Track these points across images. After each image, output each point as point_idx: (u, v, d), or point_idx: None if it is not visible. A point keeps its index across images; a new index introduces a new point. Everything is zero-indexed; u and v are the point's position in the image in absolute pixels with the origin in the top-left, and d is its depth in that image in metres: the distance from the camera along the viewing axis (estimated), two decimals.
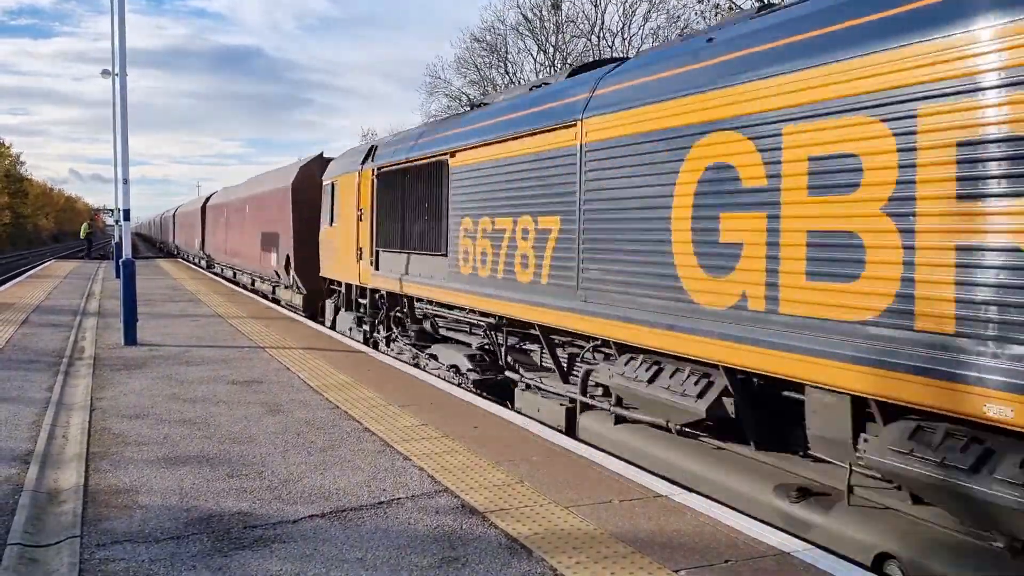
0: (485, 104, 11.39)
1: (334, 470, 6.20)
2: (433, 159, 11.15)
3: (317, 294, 17.90)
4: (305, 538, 4.83)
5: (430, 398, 8.88)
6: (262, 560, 4.50)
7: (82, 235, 51.67)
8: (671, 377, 6.53)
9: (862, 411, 5.05)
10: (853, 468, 5.15)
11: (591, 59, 40.28)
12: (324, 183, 16.80)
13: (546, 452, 6.72)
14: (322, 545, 4.72)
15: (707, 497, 5.75)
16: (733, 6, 28.28)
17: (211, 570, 4.36)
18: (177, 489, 5.73)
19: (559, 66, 41.34)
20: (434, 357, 11.38)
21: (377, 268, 13.30)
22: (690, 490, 5.88)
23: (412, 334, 12.48)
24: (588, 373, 7.98)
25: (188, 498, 5.54)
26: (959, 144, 4.33)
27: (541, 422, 8.14)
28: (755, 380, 5.98)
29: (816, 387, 5.23)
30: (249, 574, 4.32)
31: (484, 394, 9.51)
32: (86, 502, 5.43)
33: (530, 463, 6.39)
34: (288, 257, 19.05)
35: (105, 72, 32.39)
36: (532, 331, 8.94)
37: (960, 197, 4.32)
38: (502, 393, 9.80)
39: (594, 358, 8.12)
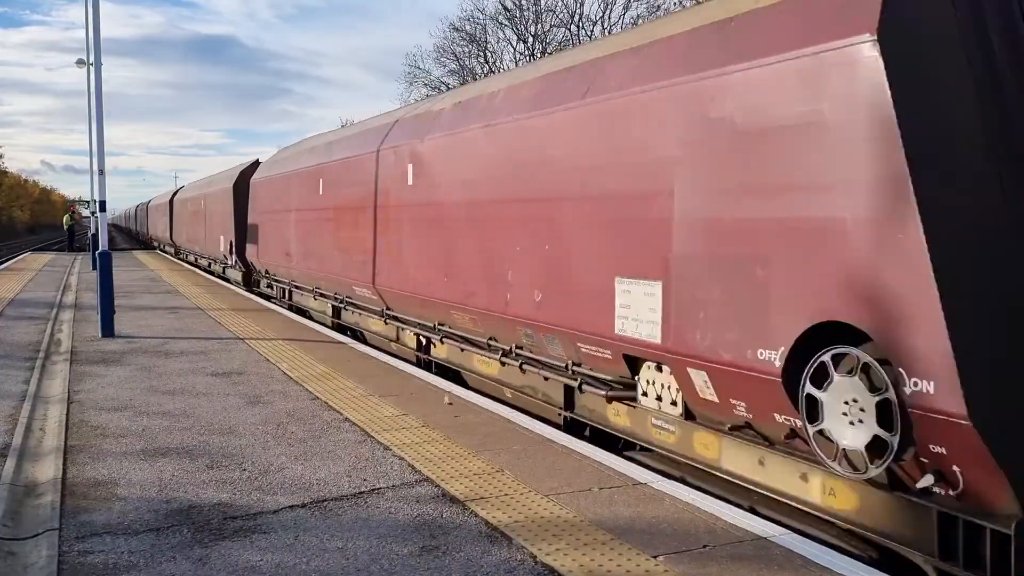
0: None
1: (314, 460, 6.20)
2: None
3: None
4: (286, 528, 4.84)
5: (410, 388, 8.89)
6: (242, 551, 4.50)
7: (64, 226, 51.20)
8: None
9: None
10: None
11: (571, 47, 40.23)
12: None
13: (527, 441, 6.75)
14: (303, 535, 4.73)
15: (684, 483, 5.81)
16: None
17: (191, 561, 4.36)
18: (157, 481, 5.71)
19: (539, 55, 41.27)
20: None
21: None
22: (666, 475, 5.93)
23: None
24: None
25: (168, 490, 5.52)
26: None
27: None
28: None
29: None
30: (230, 565, 4.32)
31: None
32: (64, 495, 5.41)
33: (511, 452, 6.41)
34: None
35: (80, 62, 32.02)
36: None
37: None
38: None
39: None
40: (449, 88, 41.36)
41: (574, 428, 7.59)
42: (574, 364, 7.29)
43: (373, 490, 5.53)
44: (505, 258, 8.10)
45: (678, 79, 5.82)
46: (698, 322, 5.55)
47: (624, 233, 6.34)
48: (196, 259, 32.62)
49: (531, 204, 7.67)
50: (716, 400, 5.62)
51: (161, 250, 44.85)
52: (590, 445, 6.72)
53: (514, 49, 44.69)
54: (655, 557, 4.37)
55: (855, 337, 4.51)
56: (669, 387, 6.22)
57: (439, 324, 10.00)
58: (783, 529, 4.84)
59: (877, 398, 4.41)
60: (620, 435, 7.08)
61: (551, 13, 42.71)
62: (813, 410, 4.79)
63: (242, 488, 5.56)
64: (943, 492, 4.35)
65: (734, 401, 5.46)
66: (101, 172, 13.81)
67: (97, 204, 14.11)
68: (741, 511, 5.17)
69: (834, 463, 4.71)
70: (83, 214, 52.56)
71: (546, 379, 7.86)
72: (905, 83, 4.27)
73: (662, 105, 5.98)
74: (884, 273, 4.29)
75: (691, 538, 4.65)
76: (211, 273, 27.70)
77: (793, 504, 5.31)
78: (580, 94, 7.05)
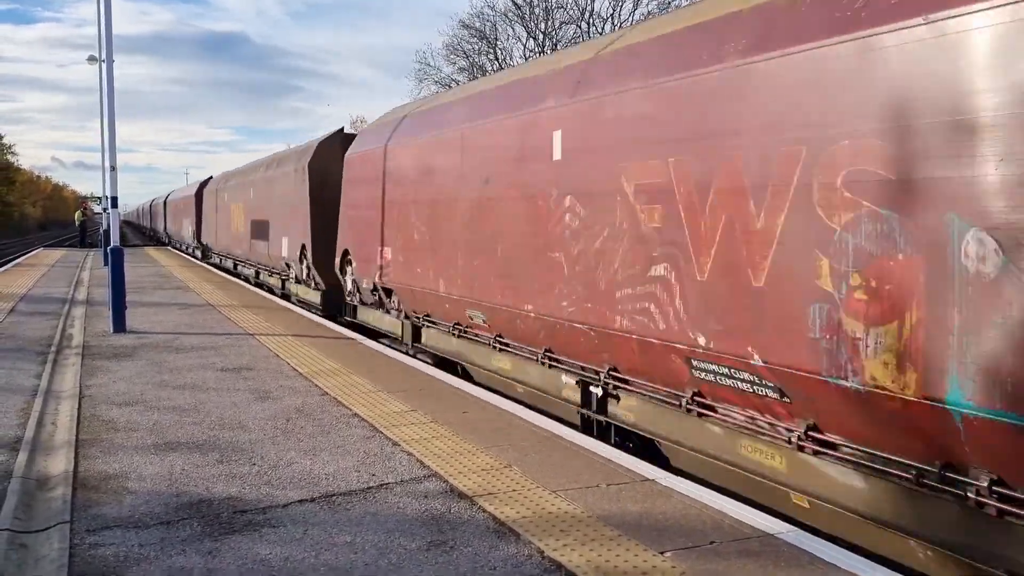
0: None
1: (323, 455, 6.23)
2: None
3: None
4: (295, 522, 4.87)
5: (420, 384, 8.92)
6: (252, 544, 4.53)
7: (76, 222, 51.54)
8: None
9: None
10: None
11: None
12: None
13: (535, 437, 6.77)
14: (311, 529, 4.76)
15: (692, 479, 5.82)
16: None
17: (201, 554, 4.39)
18: (167, 475, 5.75)
19: (549, 52, 41.21)
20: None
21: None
22: (676, 472, 5.94)
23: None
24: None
25: (178, 484, 5.56)
26: None
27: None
28: None
29: None
30: (239, 558, 4.35)
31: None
32: (76, 488, 5.45)
33: (519, 448, 6.43)
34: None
35: (92, 58, 32.14)
36: None
37: None
38: None
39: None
40: (459, 83, 41.43)
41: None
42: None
43: (382, 485, 5.55)
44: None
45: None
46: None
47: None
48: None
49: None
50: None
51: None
52: (598, 441, 6.73)
53: (524, 46, 44.71)
54: (663, 553, 4.38)
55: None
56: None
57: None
58: (790, 526, 4.84)
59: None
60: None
61: (561, 10, 42.67)
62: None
63: (252, 482, 5.60)
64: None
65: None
66: (113, 168, 13.87)
67: (108, 200, 14.17)
68: (749, 508, 5.18)
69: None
70: (95, 210, 52.98)
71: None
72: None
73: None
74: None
75: (698, 534, 4.66)
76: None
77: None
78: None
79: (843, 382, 4.77)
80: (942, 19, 4.25)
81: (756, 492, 5.82)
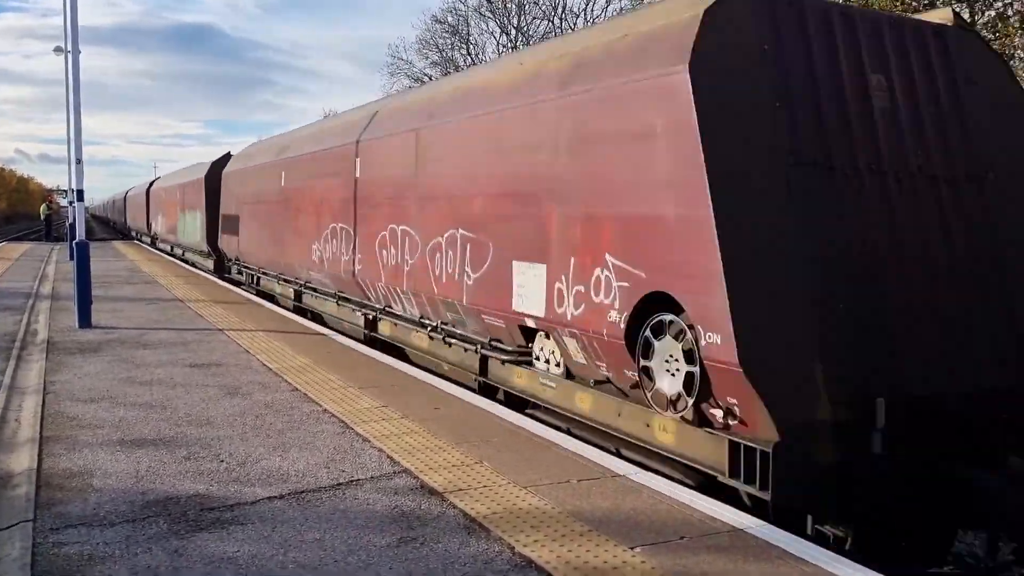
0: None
1: (292, 452, 6.18)
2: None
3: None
4: (263, 520, 4.82)
5: (391, 380, 8.87)
6: (219, 542, 4.48)
7: (41, 216, 50.81)
8: None
9: None
10: None
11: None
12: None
13: (507, 433, 6.76)
14: (280, 526, 4.71)
15: (663, 475, 5.84)
16: None
17: (167, 552, 4.33)
18: (133, 472, 5.67)
19: (521, 47, 41.20)
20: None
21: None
22: (643, 467, 5.96)
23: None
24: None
25: (144, 481, 5.49)
26: None
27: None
28: None
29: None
30: (206, 556, 4.30)
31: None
32: (39, 486, 5.36)
33: (490, 444, 6.42)
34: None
35: (58, 49, 31.64)
36: None
37: None
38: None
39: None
40: (432, 78, 41.33)
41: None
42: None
43: (351, 481, 5.52)
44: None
45: None
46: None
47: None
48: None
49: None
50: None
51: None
52: (571, 438, 6.74)
53: (497, 41, 44.63)
54: (632, 549, 4.40)
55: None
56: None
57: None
58: (761, 521, 4.87)
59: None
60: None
61: (534, 5, 42.65)
62: None
63: (219, 479, 5.53)
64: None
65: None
66: (79, 161, 13.64)
67: (74, 193, 13.95)
68: (718, 503, 5.20)
69: None
70: (61, 204, 52.38)
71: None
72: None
73: None
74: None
75: (668, 530, 4.68)
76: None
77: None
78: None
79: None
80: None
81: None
